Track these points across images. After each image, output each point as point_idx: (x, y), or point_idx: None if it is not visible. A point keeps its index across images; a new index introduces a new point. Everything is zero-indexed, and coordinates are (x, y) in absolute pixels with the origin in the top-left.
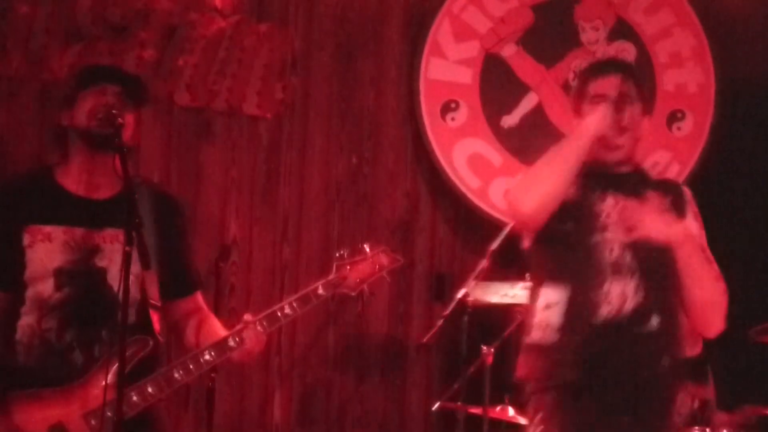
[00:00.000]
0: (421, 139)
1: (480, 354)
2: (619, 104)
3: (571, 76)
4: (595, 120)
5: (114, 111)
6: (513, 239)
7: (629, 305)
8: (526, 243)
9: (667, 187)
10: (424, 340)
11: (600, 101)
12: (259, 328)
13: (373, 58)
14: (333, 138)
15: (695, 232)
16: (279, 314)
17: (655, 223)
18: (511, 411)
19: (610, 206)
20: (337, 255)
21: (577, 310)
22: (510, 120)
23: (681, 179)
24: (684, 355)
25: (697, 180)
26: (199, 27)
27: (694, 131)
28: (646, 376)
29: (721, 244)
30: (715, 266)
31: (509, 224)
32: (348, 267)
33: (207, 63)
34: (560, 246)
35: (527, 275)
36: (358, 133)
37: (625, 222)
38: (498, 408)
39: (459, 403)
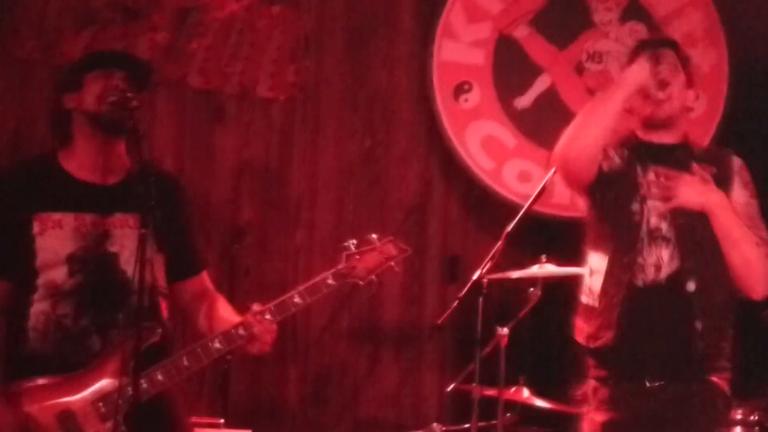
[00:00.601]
0: (434, 121)
1: (495, 335)
2: (656, 57)
3: (584, 57)
4: (634, 68)
5: (125, 95)
6: (528, 221)
7: (664, 273)
8: (584, 211)
9: (713, 158)
10: (439, 322)
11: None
12: (268, 317)
13: (386, 40)
14: (346, 120)
15: (742, 200)
16: (288, 303)
17: (689, 192)
18: (525, 392)
19: (651, 179)
20: (345, 245)
21: (614, 277)
22: (523, 101)
23: None
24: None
25: None
26: (211, 10)
27: (707, 112)
28: (681, 340)
29: None
30: (762, 232)
31: (524, 205)
32: (357, 257)
33: (220, 46)
34: (602, 214)
35: (543, 257)
36: (371, 116)
37: (662, 192)
38: (513, 389)
39: (474, 385)
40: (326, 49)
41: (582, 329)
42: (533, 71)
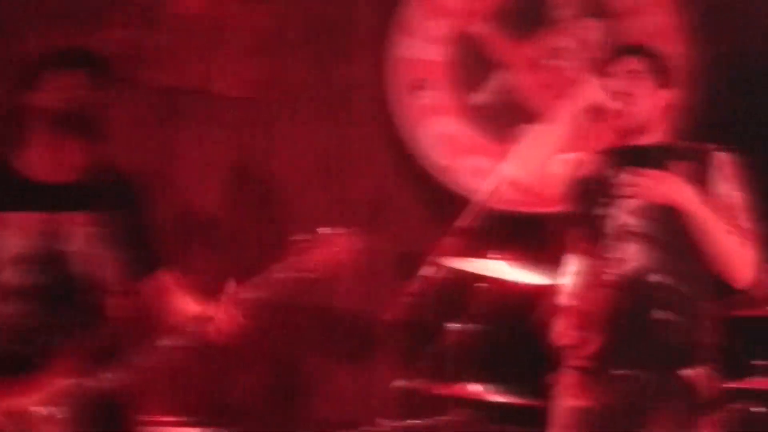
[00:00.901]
0: (391, 118)
1: (445, 331)
2: (606, 71)
3: (542, 53)
4: (580, 92)
5: (82, 92)
6: (481, 216)
7: (633, 267)
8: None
9: (695, 154)
10: (390, 317)
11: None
12: (221, 313)
13: (345, 36)
14: (304, 116)
15: (721, 192)
16: (238, 298)
17: (656, 187)
18: (476, 388)
19: (622, 178)
20: (294, 238)
21: (586, 277)
22: (480, 98)
23: None
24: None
25: None
26: (170, 5)
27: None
28: (651, 334)
29: None
30: (742, 223)
31: (476, 201)
32: (305, 249)
33: (178, 42)
34: (577, 218)
35: (491, 252)
36: (329, 112)
37: (630, 189)
38: (463, 385)
39: (424, 381)
40: (285, 45)
41: (555, 329)
42: (491, 68)
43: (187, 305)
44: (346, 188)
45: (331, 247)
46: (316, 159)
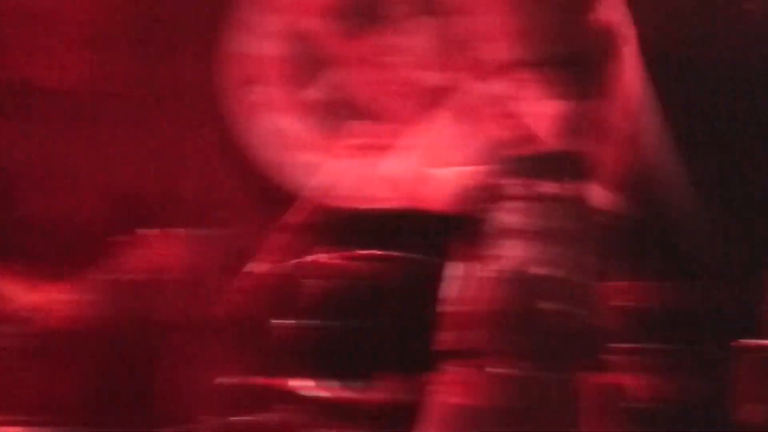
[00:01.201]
0: (222, 114)
1: (273, 327)
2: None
3: (377, 50)
4: (459, 95)
5: None
6: (312, 213)
7: (511, 264)
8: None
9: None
10: (218, 314)
11: None
12: (42, 312)
13: (178, 31)
14: (134, 113)
15: None
16: (57, 300)
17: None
18: (305, 383)
19: (511, 184)
20: (115, 240)
21: (471, 279)
22: (313, 94)
23: None
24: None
25: None
26: None
27: None
28: (539, 329)
29: None
30: None
31: (304, 197)
32: (129, 251)
33: (1, 33)
34: (453, 223)
35: (318, 248)
36: (161, 108)
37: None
38: (290, 380)
39: (250, 377)
40: (115, 39)
41: (439, 333)
42: (324, 64)
43: (10, 299)
44: (179, 186)
45: (156, 247)
46: (148, 157)
